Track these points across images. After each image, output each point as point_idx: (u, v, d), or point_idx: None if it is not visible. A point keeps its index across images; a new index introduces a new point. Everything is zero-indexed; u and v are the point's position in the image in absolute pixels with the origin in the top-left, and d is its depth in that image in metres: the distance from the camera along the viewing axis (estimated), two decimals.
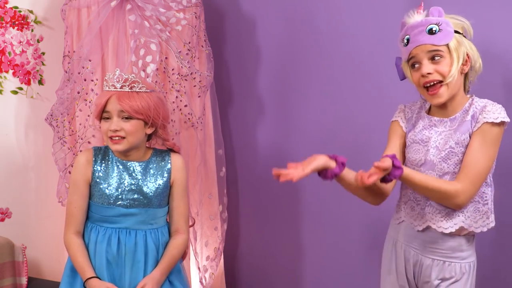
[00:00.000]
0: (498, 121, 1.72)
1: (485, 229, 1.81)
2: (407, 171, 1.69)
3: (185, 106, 2.51)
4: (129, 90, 2.01)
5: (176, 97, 2.49)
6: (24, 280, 2.49)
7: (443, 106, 1.83)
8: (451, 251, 1.82)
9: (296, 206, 2.75)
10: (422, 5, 1.84)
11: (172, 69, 2.49)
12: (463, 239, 1.82)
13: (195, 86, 2.55)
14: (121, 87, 2.01)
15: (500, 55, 2.13)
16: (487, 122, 1.73)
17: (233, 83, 2.95)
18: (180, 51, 2.48)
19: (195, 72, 2.53)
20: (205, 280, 2.68)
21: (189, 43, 2.52)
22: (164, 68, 2.48)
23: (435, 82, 1.77)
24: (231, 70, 2.95)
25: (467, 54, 1.78)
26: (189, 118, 2.52)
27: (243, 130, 2.93)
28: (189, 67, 2.50)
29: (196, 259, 2.66)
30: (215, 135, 2.75)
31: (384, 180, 1.67)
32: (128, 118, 2.00)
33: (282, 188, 2.81)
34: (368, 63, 2.45)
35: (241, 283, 3.02)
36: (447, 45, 1.76)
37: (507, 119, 1.74)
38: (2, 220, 2.64)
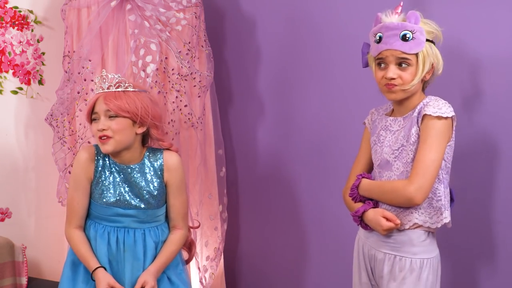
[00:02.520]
0: (436, 114, 1.76)
1: (439, 225, 1.83)
2: (364, 186, 1.90)
3: (185, 106, 2.51)
4: (116, 90, 2.02)
5: (176, 97, 2.49)
6: (24, 280, 2.49)
7: (399, 105, 1.89)
8: (401, 245, 1.85)
9: (296, 206, 2.75)
10: (401, 5, 1.86)
11: (172, 69, 2.49)
12: (414, 233, 1.84)
13: (195, 86, 2.55)
14: (107, 88, 2.02)
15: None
16: (426, 114, 1.78)
17: (233, 83, 2.95)
18: (180, 51, 2.48)
19: (195, 72, 2.53)
20: (205, 280, 2.68)
21: (189, 43, 2.52)
22: (164, 68, 2.48)
23: (394, 85, 1.83)
24: (231, 70, 2.95)
25: (432, 64, 1.83)
26: (189, 118, 2.52)
27: (243, 130, 2.93)
28: (189, 67, 2.50)
29: (196, 259, 2.66)
30: (215, 135, 2.75)
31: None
32: (114, 116, 2.00)
33: (282, 188, 2.81)
34: None
35: (241, 283, 3.02)
36: (416, 54, 1.80)
37: (447, 114, 1.77)
38: (2, 220, 2.64)
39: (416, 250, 1.84)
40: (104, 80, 2.02)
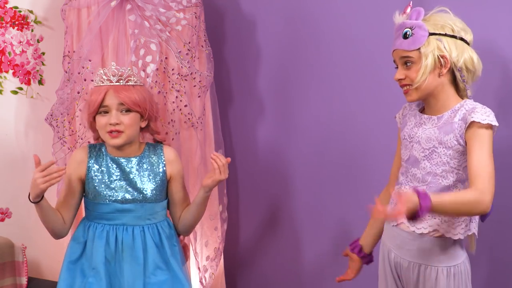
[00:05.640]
0: (485, 122, 1.68)
1: (462, 237, 1.76)
2: (434, 198, 1.59)
3: (185, 106, 2.51)
4: (125, 84, 2.02)
5: (176, 97, 2.49)
6: (24, 280, 2.49)
7: (427, 104, 1.84)
8: (424, 253, 1.78)
9: (296, 206, 2.75)
10: (410, 5, 1.82)
11: (172, 69, 2.49)
12: (436, 241, 1.77)
13: (195, 86, 2.55)
14: (117, 81, 2.02)
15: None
16: (474, 121, 1.69)
17: (233, 83, 2.95)
18: (180, 51, 2.48)
19: (195, 72, 2.53)
20: (205, 280, 2.68)
21: (189, 43, 2.52)
22: (164, 68, 2.48)
23: (406, 86, 1.79)
24: (231, 70, 2.95)
25: (442, 56, 1.73)
26: (189, 118, 2.53)
27: (243, 130, 2.93)
28: (189, 67, 2.50)
29: (196, 259, 2.66)
30: (215, 135, 2.75)
31: (414, 217, 1.57)
32: (127, 111, 2.01)
33: (282, 188, 2.81)
34: (369, 62, 2.45)
35: (241, 283, 3.02)
36: (419, 50, 1.74)
37: (494, 123, 1.71)
38: (2, 220, 2.64)
39: (441, 258, 1.77)
40: (114, 73, 2.02)
